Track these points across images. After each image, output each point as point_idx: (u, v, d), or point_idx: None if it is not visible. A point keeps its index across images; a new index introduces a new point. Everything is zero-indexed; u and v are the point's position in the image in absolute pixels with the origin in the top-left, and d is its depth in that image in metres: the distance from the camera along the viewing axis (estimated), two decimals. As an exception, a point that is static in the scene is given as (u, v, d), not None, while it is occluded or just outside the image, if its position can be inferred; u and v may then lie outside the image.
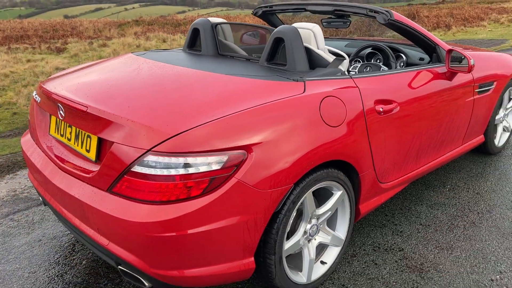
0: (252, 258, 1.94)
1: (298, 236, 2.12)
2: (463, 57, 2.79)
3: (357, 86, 2.30)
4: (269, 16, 3.67)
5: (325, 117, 2.07)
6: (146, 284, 1.91)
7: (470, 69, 2.77)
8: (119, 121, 1.83)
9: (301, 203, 2.07)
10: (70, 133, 2.16)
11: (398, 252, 2.58)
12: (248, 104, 1.90)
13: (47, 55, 11.22)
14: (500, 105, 3.69)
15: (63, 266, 2.46)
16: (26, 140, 2.58)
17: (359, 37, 5.52)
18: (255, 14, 3.62)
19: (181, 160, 1.72)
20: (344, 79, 2.31)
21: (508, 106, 3.84)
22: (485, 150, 3.78)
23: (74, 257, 2.54)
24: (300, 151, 1.94)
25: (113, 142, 1.84)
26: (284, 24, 3.51)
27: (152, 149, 1.73)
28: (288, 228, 2.01)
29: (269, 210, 1.88)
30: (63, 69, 9.00)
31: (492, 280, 2.34)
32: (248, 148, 1.81)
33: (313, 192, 2.19)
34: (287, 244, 2.06)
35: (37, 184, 2.41)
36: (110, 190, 1.85)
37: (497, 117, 3.69)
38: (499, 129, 3.84)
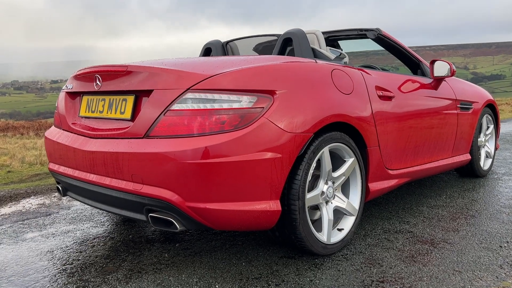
0: (278, 201, 2.05)
1: (317, 191, 2.25)
2: (446, 64, 3.19)
3: (360, 71, 2.62)
4: (266, 52, 4.09)
5: (336, 84, 2.34)
6: (178, 227, 1.97)
7: (453, 73, 3.15)
8: (159, 71, 2.05)
9: (320, 158, 2.23)
10: (103, 105, 2.34)
11: (408, 233, 2.68)
12: (272, 62, 2.18)
13: (35, 139, 11.43)
14: (479, 129, 4.04)
15: (82, 246, 2.46)
16: (50, 131, 2.72)
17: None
18: (255, 50, 4.04)
19: (217, 96, 1.93)
20: (348, 66, 2.63)
21: (487, 132, 4.19)
22: (473, 171, 4.02)
23: (92, 242, 2.54)
24: (318, 105, 2.17)
25: (151, 92, 2.03)
26: None
27: (191, 88, 1.94)
28: (309, 178, 2.15)
29: (293, 152, 2.05)
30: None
31: (501, 246, 2.45)
32: (273, 93, 2.03)
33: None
34: (309, 195, 2.18)
35: (60, 167, 2.51)
36: (147, 135, 2.00)
37: (479, 139, 4.01)
38: (483, 152, 4.14)
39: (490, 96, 4.13)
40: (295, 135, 2.05)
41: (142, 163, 1.96)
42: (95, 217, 3.05)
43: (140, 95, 2.14)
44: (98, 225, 2.86)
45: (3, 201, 3.79)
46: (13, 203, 3.70)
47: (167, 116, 1.95)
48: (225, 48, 3.26)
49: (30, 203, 3.66)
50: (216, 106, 1.92)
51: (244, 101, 1.96)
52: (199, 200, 1.90)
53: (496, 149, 4.38)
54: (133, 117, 2.14)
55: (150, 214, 2.01)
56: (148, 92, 2.07)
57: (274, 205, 2.03)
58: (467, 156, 3.81)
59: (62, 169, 2.49)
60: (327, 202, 2.33)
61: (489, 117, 4.18)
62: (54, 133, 2.65)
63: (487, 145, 4.24)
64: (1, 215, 3.28)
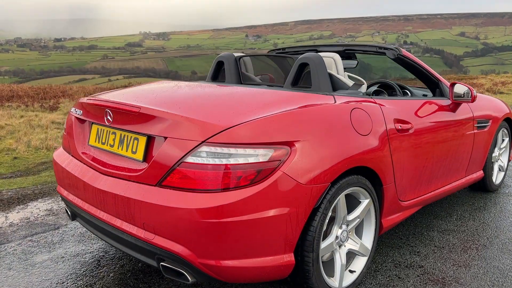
0: (292, 254, 2.01)
1: (331, 238, 2.21)
2: (466, 89, 3.07)
3: (378, 104, 2.52)
4: (280, 61, 3.96)
5: (355, 125, 2.25)
6: (190, 279, 1.94)
7: (474, 99, 3.04)
8: (173, 118, 1.97)
9: (335, 205, 2.18)
10: (114, 139, 2.27)
11: (419, 268, 2.65)
12: (289, 107, 2.09)
13: (40, 113, 11.35)
14: (495, 144, 3.95)
15: (91, 277, 2.45)
16: (58, 154, 2.66)
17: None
18: (268, 56, 3.91)
19: (233, 150, 1.86)
20: (367, 98, 2.53)
21: (501, 146, 4.11)
22: (484, 187, 3.97)
23: (101, 271, 2.53)
24: (336, 152, 2.10)
25: (164, 139, 1.96)
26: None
27: (207, 140, 1.86)
28: (324, 227, 2.11)
29: (309, 205, 1.99)
30: (60, 123, 9.12)
31: (512, 290, 2.43)
32: (291, 144, 1.96)
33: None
34: (323, 244, 2.14)
35: (69, 195, 2.46)
36: (160, 184, 1.94)
37: (493, 155, 3.94)
38: (496, 167, 4.08)
39: (507, 110, 4.02)
40: (312, 187, 1.99)
41: (154, 214, 1.91)
42: (104, 234, 3.03)
43: (152, 137, 2.07)
44: (107, 247, 2.84)
45: (11, 203, 3.78)
46: (21, 207, 3.69)
47: (181, 168, 1.89)
48: (238, 63, 3.14)
49: (38, 208, 3.64)
50: (232, 161, 1.85)
51: (261, 155, 1.89)
52: (212, 257, 1.86)
53: (509, 161, 4.31)
54: (145, 159, 2.08)
55: (161, 263, 1.98)
56: (161, 137, 2.00)
57: (288, 258, 2.00)
58: (480, 173, 3.75)
59: (71, 197, 2.45)
60: (340, 246, 2.30)
61: (505, 130, 4.09)
62: (63, 157, 2.59)
63: (501, 159, 4.16)
64: (10, 224, 3.27)
